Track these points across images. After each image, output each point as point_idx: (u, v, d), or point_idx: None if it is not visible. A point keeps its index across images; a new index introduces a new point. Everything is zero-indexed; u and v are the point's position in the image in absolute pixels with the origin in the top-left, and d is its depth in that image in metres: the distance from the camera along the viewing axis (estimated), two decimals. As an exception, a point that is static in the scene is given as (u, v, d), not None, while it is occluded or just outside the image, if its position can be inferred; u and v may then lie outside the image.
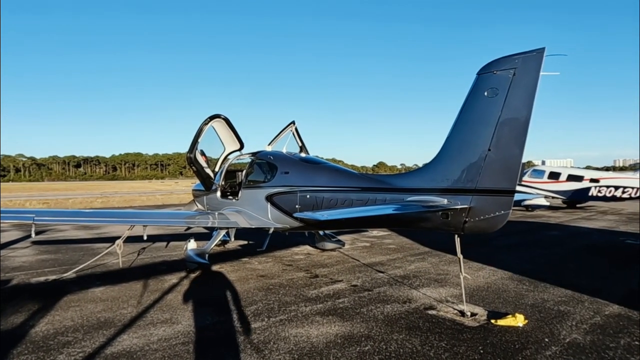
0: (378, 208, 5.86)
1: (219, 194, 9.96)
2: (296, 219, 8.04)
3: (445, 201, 5.84)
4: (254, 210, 8.80)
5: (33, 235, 7.02)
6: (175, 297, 6.90)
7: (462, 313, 5.82)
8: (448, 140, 5.88)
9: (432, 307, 6.20)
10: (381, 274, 8.35)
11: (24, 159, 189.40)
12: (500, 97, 5.31)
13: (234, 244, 11.64)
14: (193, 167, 9.56)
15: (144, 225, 7.95)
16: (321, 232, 10.66)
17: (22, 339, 5.17)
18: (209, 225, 8.80)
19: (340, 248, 10.81)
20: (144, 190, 60.81)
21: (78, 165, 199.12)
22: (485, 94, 5.46)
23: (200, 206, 11.39)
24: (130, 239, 9.41)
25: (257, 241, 12.06)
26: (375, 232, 14.06)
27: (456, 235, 5.89)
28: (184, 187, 72.85)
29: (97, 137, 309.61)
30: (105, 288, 7.53)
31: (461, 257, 5.87)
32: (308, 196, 7.80)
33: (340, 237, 11.32)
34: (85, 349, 4.85)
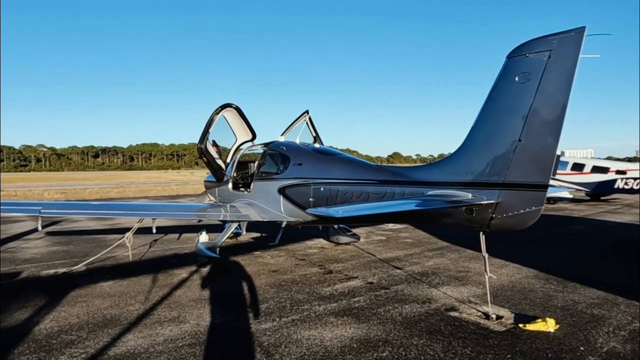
0: (397, 204, 5.48)
1: (230, 185, 9.68)
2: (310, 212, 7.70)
3: (469, 196, 5.41)
4: (266, 203, 8.49)
5: (39, 227, 6.84)
6: (184, 293, 6.67)
7: (487, 315, 5.43)
8: (473, 130, 5.43)
9: (453, 308, 5.82)
10: (398, 271, 7.98)
11: (45, 149, 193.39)
12: (533, 82, 4.84)
13: (245, 236, 11.39)
14: (204, 158, 9.27)
15: (153, 218, 7.72)
16: (335, 226, 10.32)
17: (24, 337, 4.98)
18: (220, 218, 8.53)
19: (355, 242, 10.46)
20: (160, 180, 61.29)
21: (96, 156, 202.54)
22: (516, 79, 4.98)
23: (212, 198, 11.14)
24: (142, 231, 9.24)
25: (269, 234, 11.80)
26: (390, 225, 13.66)
27: (481, 233, 5.47)
28: (199, 177, 73.20)
29: (114, 127, 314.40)
30: (114, 282, 7.34)
31: (486, 255, 5.46)
32: (322, 189, 7.45)
33: (355, 231, 10.97)
34: (88, 349, 4.63)
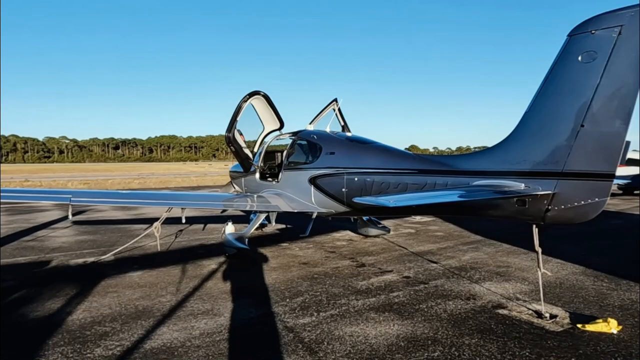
0: (453, 193, 5.12)
1: (257, 175, 9.45)
2: (343, 203, 7.42)
3: (522, 186, 5.04)
4: (296, 193, 8.24)
5: (70, 216, 6.75)
6: (214, 285, 6.48)
7: (540, 314, 5.07)
8: (528, 114, 5.03)
9: (501, 306, 5.47)
10: (434, 265, 7.65)
11: (67, 141, 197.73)
12: (599, 61, 4.41)
13: (271, 228, 11.20)
14: (231, 147, 9.06)
15: (182, 208, 7.54)
16: (365, 217, 10.01)
17: (58, 327, 4.85)
18: (249, 208, 8.33)
19: (384, 235, 10.14)
20: (179, 171, 61.93)
21: (116, 147, 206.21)
22: (580, 58, 4.56)
23: (237, 188, 10.96)
24: (167, 221, 9.11)
25: (295, 225, 11.59)
26: (418, 218, 13.28)
27: (534, 226, 5.09)
28: (217, 169, 73.77)
29: (134, 119, 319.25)
30: (143, 272, 7.21)
31: (539, 250, 5.09)
32: (356, 179, 7.14)
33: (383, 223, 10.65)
34: (123, 341, 4.46)
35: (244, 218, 11.98)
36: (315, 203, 7.92)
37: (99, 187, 31.05)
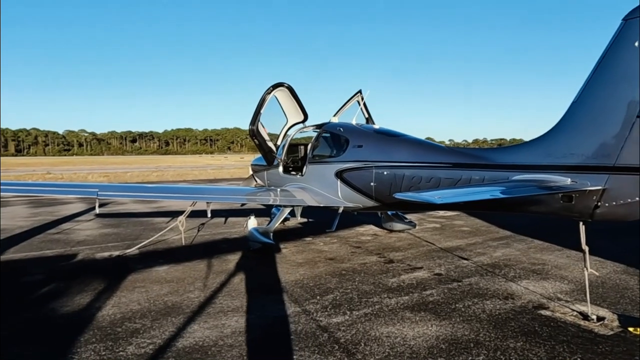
0: (503, 188, 4.86)
1: (281, 169, 9.30)
2: (371, 197, 7.21)
3: (568, 181, 4.76)
4: (322, 187, 8.06)
5: (97, 209, 6.71)
6: (241, 280, 6.37)
7: (585, 316, 4.81)
8: (576, 104, 4.73)
9: (542, 306, 5.21)
10: (465, 261, 7.40)
11: (86, 134, 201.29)
12: (658, 47, 4.09)
13: (292, 222, 11.06)
14: (255, 140, 8.91)
15: (207, 202, 7.45)
16: (389, 212, 9.78)
17: (89, 323, 4.79)
18: (273, 202, 8.19)
19: (410, 229, 9.91)
20: (196, 164, 62.42)
21: (134, 140, 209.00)
22: (636, 44, 4.24)
23: (260, 182, 10.84)
24: (189, 214, 9.03)
25: (316, 219, 11.43)
26: (442, 213, 12.98)
27: (581, 223, 4.82)
28: (233, 161, 74.15)
29: (150, 111, 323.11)
30: (169, 267, 7.15)
31: (587, 249, 4.82)
32: (385, 173, 6.93)
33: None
34: (154, 339, 4.37)
35: (265, 212, 11.88)
36: (341, 197, 7.73)
37: (118, 180, 31.42)
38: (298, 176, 8.76)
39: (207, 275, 6.70)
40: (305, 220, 11.70)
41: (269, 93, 8.77)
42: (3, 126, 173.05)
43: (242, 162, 64.31)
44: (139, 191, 7.62)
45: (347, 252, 8.19)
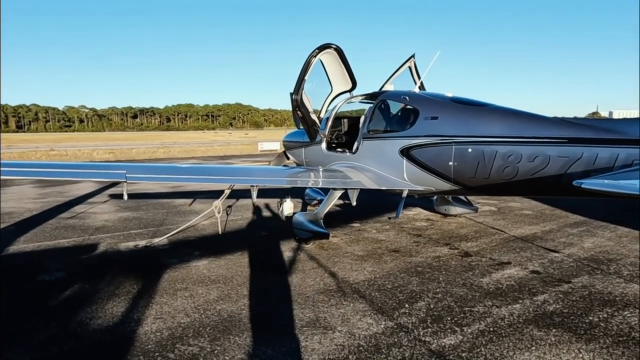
0: None
1: (324, 145, 8.10)
2: (448, 179, 6.05)
3: None
4: (381, 167, 6.89)
5: (125, 197, 5.57)
6: (303, 281, 5.28)
7: None
8: None
9: (701, 320, 4.12)
10: (556, 254, 6.29)
11: (86, 110, 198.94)
12: None
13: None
14: (298, 112, 7.67)
15: (251, 185, 6.31)
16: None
17: (130, 345, 3.72)
18: (323, 185, 7.03)
19: (470, 214, 8.79)
20: (201, 140, 61.04)
21: (135, 116, 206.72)
22: None
23: (294, 160, 9.67)
24: (208, 195, 7.88)
25: (357, 201, 10.26)
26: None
27: None
28: (238, 137, 72.66)
29: (151, 87, 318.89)
30: (209, 262, 6.06)
31: None
32: (470, 149, 5.73)
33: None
34: (222, 372, 3.30)
35: (296, 193, 10.73)
36: (407, 179, 6.57)
37: (124, 157, 30.29)
38: (348, 154, 7.57)
39: (257, 273, 5.62)
40: (341, 202, 10.57)
41: (315, 56, 7.49)
42: (2, 102, 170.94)
43: (247, 139, 62.87)
44: (172, 173, 6.42)
45: (409, 242, 7.09)
